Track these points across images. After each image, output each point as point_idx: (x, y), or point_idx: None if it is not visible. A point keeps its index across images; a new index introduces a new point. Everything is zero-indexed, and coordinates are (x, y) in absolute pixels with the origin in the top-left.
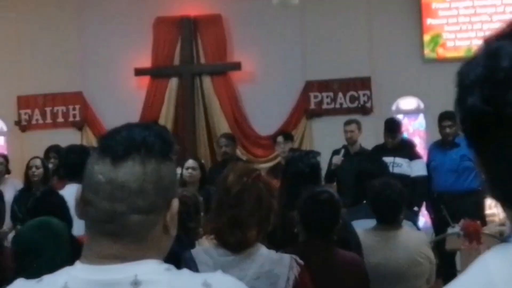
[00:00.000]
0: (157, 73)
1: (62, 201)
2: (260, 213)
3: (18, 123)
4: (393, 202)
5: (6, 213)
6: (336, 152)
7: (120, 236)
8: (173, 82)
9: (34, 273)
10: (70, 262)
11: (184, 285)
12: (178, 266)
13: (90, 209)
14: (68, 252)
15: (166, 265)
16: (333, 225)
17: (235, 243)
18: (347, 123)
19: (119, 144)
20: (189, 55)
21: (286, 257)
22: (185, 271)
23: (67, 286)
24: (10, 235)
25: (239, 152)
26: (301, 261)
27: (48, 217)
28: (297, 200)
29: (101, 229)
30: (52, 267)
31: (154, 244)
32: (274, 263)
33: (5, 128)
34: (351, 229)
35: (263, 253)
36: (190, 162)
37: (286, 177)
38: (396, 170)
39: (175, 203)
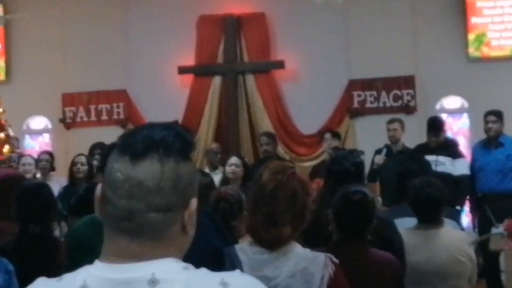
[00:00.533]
0: (200, 71)
1: None
2: (294, 211)
3: (62, 120)
4: (433, 200)
5: None
6: (378, 152)
7: (137, 234)
8: (217, 81)
9: None
10: None
11: (201, 284)
12: (221, 262)
13: (109, 206)
14: None
15: (183, 264)
16: (366, 225)
17: (269, 241)
18: (390, 121)
19: (138, 142)
20: (233, 54)
21: (321, 256)
22: (203, 270)
23: (85, 284)
24: (56, 232)
25: (282, 150)
26: (336, 260)
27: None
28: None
29: (119, 227)
30: None
31: (171, 243)
32: (309, 261)
33: (49, 126)
34: (394, 228)
35: (298, 251)
36: (233, 159)
37: (330, 175)
38: (439, 168)
39: (194, 202)
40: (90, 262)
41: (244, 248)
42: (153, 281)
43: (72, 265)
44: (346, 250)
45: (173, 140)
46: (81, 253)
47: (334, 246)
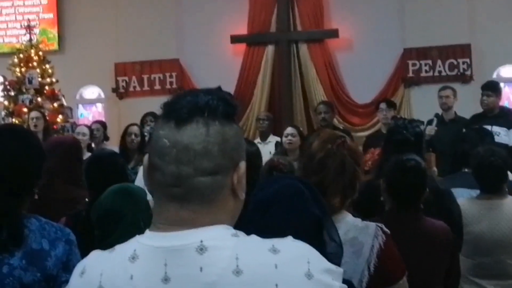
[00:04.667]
0: (253, 40)
1: None
2: (343, 180)
3: (115, 90)
4: (497, 169)
5: None
6: (429, 122)
7: (187, 199)
8: (270, 50)
9: (117, 239)
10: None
11: (250, 250)
12: (321, 232)
13: (157, 174)
14: (149, 216)
15: (233, 231)
16: (420, 193)
17: None
18: (442, 88)
19: (183, 107)
20: (286, 22)
21: (372, 225)
22: (253, 237)
23: (135, 254)
24: None
25: (335, 120)
26: (387, 230)
27: (125, 183)
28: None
29: (168, 194)
30: (135, 232)
31: (222, 207)
32: (359, 230)
33: (102, 95)
34: (453, 199)
35: (348, 221)
36: (289, 129)
37: (389, 145)
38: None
39: (242, 165)
40: (120, 231)
41: None
42: (201, 249)
43: (103, 235)
44: (400, 220)
45: (217, 103)
46: (109, 222)
47: (387, 216)
